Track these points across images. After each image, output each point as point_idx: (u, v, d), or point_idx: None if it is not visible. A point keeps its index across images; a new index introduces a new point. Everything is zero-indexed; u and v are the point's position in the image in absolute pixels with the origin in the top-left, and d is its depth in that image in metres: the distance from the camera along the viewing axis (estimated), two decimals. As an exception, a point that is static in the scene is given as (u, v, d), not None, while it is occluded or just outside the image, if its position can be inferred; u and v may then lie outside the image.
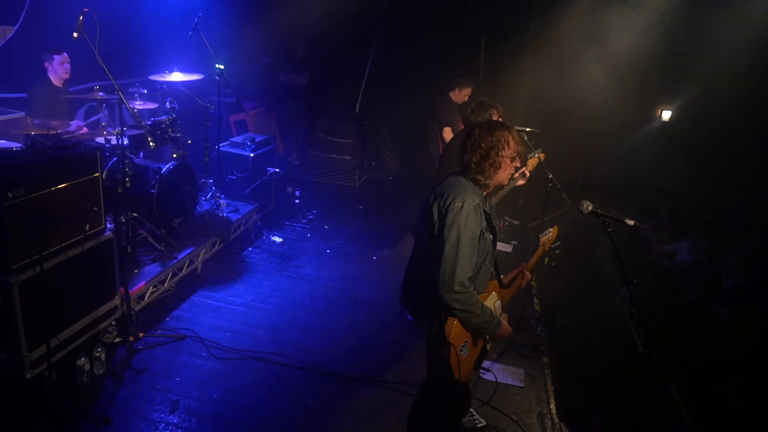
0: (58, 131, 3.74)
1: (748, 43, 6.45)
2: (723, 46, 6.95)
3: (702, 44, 7.31)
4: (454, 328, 2.58)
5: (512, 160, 2.66)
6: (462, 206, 2.53)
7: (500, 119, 4.23)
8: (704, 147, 7.49)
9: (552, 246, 3.39)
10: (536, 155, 4.42)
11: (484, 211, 2.64)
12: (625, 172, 8.00)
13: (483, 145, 2.60)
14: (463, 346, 2.64)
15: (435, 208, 2.64)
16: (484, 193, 2.70)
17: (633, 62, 7.37)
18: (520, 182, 4.41)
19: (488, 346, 2.88)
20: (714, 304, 4.65)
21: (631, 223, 2.64)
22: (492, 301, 2.85)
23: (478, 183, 2.66)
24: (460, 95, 6.55)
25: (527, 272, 3.07)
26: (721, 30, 7.02)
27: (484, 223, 2.63)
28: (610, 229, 2.64)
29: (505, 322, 2.78)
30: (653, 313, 3.97)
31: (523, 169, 4.36)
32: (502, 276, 3.01)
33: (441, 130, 6.38)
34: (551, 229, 3.31)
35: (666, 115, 8.36)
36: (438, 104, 6.56)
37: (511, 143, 2.63)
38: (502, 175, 2.68)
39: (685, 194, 6.78)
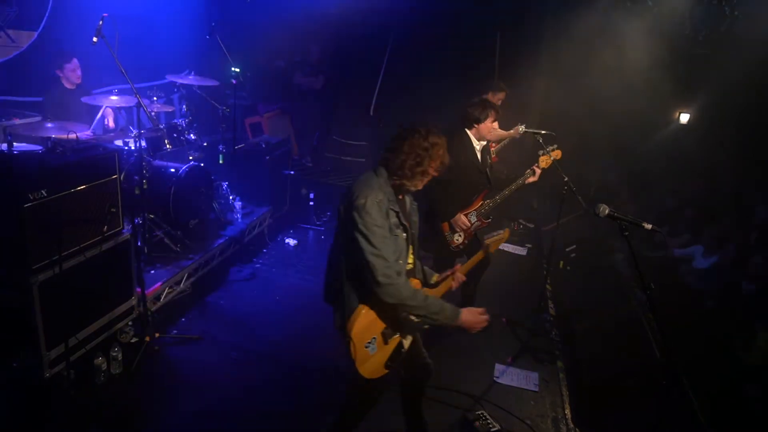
0: (77, 134, 3.80)
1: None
2: (742, 48, 6.83)
3: (721, 45, 7.18)
4: (357, 323, 2.56)
5: (436, 170, 2.60)
6: (365, 202, 2.48)
7: (495, 122, 4.08)
8: (723, 151, 7.38)
9: (567, 249, 3.34)
10: (549, 152, 4.24)
11: (391, 208, 2.58)
12: (642, 175, 7.91)
13: (419, 150, 2.54)
14: (369, 343, 2.62)
15: (343, 206, 2.59)
16: (400, 197, 2.67)
17: (650, 64, 7.28)
18: (531, 179, 4.27)
19: (405, 345, 2.79)
20: (733, 309, 4.58)
21: (649, 227, 2.60)
22: None
23: (392, 182, 2.60)
24: (494, 99, 6.42)
25: (459, 274, 2.97)
26: (739, 31, 6.90)
27: (394, 220, 2.59)
28: (627, 233, 2.61)
29: (469, 312, 2.68)
30: (671, 318, 3.91)
31: (534, 166, 4.28)
32: (436, 276, 2.97)
33: None
34: (501, 232, 3.14)
35: (684, 118, 8.24)
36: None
37: (442, 154, 2.57)
38: (420, 184, 2.64)
39: (703, 198, 6.69)
